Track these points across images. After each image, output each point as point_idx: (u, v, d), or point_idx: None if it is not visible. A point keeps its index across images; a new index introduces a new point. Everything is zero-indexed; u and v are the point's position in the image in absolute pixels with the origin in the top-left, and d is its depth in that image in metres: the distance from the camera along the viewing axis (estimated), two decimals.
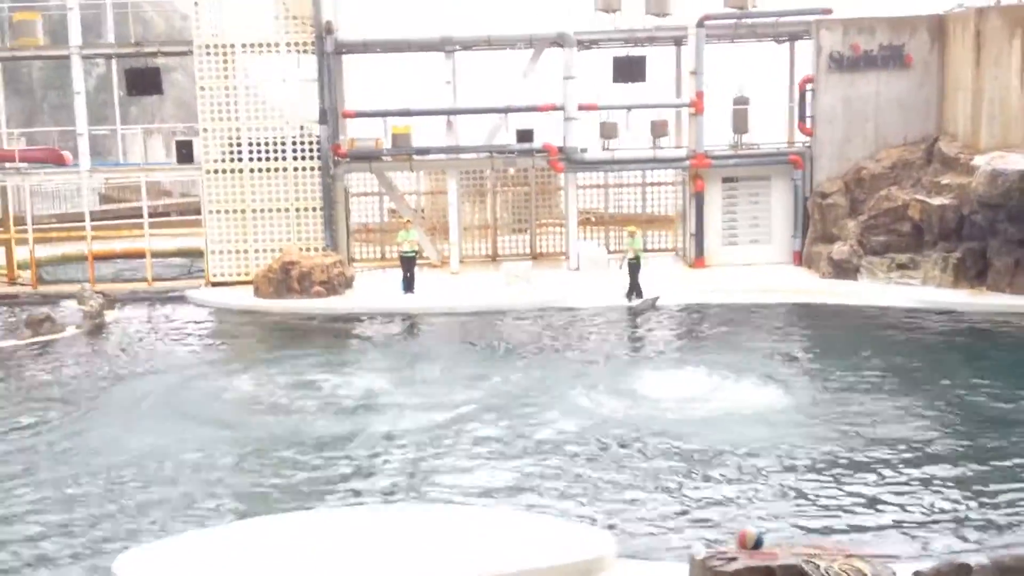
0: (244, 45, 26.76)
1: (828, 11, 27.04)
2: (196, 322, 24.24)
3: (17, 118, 36.21)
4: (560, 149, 27.43)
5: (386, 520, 11.69)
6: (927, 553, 10.79)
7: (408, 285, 25.39)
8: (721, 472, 13.36)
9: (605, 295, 24.35)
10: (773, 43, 29.45)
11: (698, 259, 27.72)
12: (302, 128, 27.24)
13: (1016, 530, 11.42)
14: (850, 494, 12.55)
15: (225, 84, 26.88)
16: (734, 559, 8.91)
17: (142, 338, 22.46)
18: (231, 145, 26.95)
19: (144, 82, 28.27)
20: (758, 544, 9.16)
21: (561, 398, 16.71)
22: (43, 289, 27.28)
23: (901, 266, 24.54)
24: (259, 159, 26.94)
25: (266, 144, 27.00)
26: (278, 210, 27.08)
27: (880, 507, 12.16)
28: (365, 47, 28.05)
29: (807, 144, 27.49)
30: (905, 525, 11.68)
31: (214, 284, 26.97)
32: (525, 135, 28.36)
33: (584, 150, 27.86)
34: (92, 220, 28.07)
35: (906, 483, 12.86)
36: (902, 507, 12.14)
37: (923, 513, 11.98)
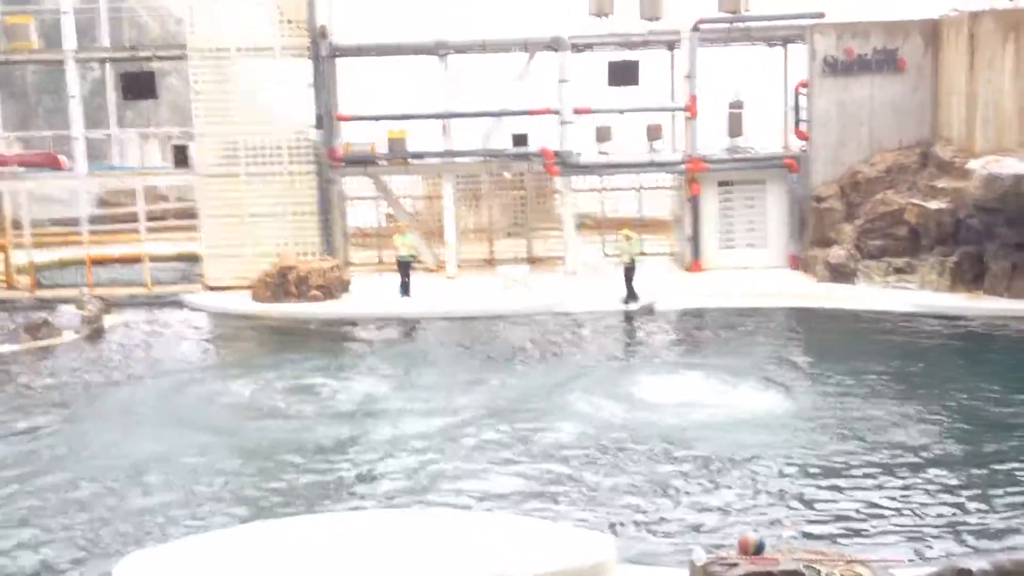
0: (239, 49, 26.76)
1: (822, 15, 27.18)
2: (194, 327, 24.23)
3: (12, 122, 36.14)
4: (555, 153, 27.48)
5: (386, 525, 11.69)
6: (927, 558, 10.84)
7: (405, 289, 25.41)
8: (721, 477, 13.39)
9: (602, 299, 24.39)
10: (767, 47, 29.54)
11: (694, 263, 27.78)
12: (298, 132, 27.26)
13: (1016, 534, 11.46)
14: (850, 499, 12.59)
15: (220, 88, 26.87)
16: (735, 565, 8.95)
17: (140, 343, 22.44)
18: (227, 149, 26.93)
19: (139, 86, 28.28)
20: (759, 550, 9.19)
21: (560, 402, 16.74)
22: (41, 294, 27.24)
23: (898, 270, 24.63)
24: (255, 163, 26.95)
25: (262, 148, 26.99)
26: (275, 214, 27.08)
27: (880, 512, 12.20)
28: (360, 51, 28.08)
29: (802, 148, 27.58)
30: (905, 530, 11.72)
31: (211, 289, 26.96)
32: (520, 139, 28.42)
33: (579, 154, 27.91)
34: (89, 224, 28.03)
35: (906, 488, 12.89)
36: (902, 512, 12.18)
37: (923, 518, 12.02)
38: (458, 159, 28.21)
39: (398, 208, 29.79)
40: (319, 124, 27.07)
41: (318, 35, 26.93)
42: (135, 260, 28.70)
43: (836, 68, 26.71)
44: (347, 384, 18.35)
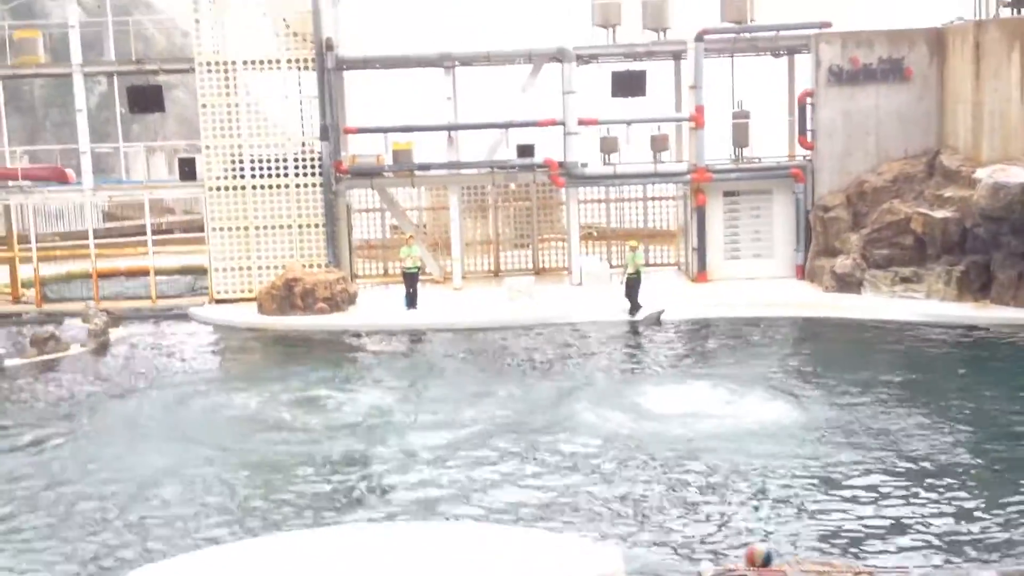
0: (245, 62, 26.86)
1: (827, 25, 27.17)
2: (200, 340, 24.26)
3: (19, 136, 36.29)
4: (561, 164, 27.49)
5: (392, 537, 11.67)
6: (936, 565, 10.77)
7: (411, 301, 25.41)
8: (729, 488, 13.35)
9: (608, 310, 24.36)
10: (772, 57, 29.53)
11: (700, 273, 27.74)
12: (304, 145, 27.32)
13: None
14: (859, 510, 12.53)
15: (227, 101, 26.96)
16: None
17: (146, 356, 22.47)
18: (233, 162, 27.02)
19: (146, 99, 28.36)
20: (767, 561, 9.15)
21: (566, 413, 16.71)
22: (47, 307, 27.28)
23: (905, 279, 24.55)
24: (261, 176, 27.01)
25: (268, 161, 27.06)
26: (281, 227, 27.13)
27: (890, 523, 12.14)
28: (365, 63, 28.15)
29: (808, 158, 27.55)
30: (915, 540, 11.66)
31: (218, 301, 26.99)
32: (526, 150, 28.43)
33: (585, 165, 27.93)
34: (96, 238, 28.12)
35: (916, 497, 12.84)
36: (912, 522, 12.13)
37: (933, 528, 11.96)
38: (464, 171, 28.23)
39: (404, 220, 29.81)
40: (325, 136, 27.12)
41: (324, 47, 27.00)
42: (141, 273, 28.78)
43: (841, 77, 26.70)
44: (354, 396, 18.35)
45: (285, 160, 27.12)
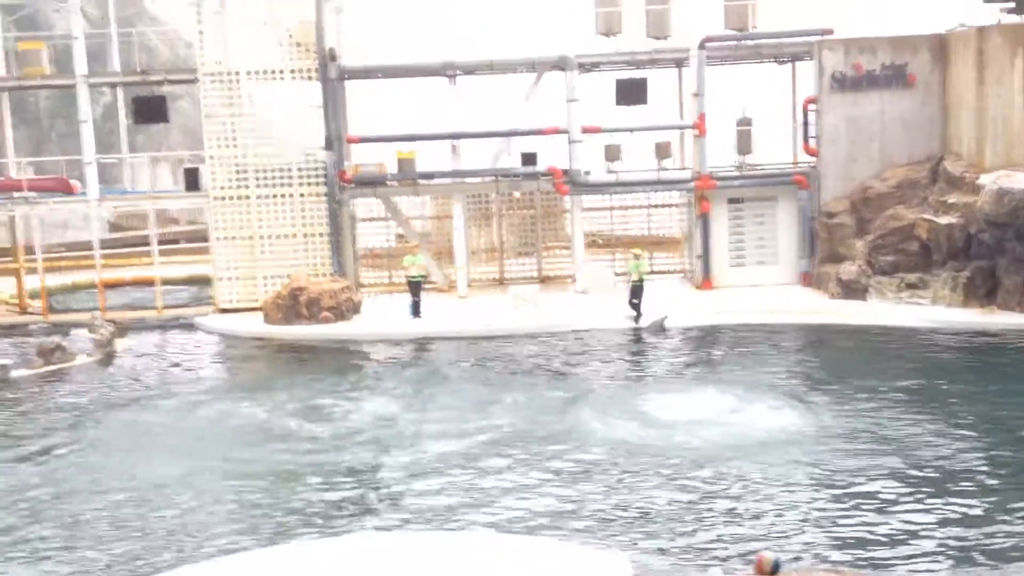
0: (249, 72, 26.93)
1: (829, 31, 27.23)
2: (206, 349, 24.28)
3: (24, 147, 36.37)
4: (565, 172, 27.52)
5: (405, 546, 11.70)
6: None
7: (416, 310, 25.43)
8: (737, 496, 13.33)
9: (613, 318, 24.36)
10: (775, 64, 29.54)
11: (705, 281, 27.75)
12: (308, 154, 27.36)
13: None
14: (868, 517, 12.51)
15: (230, 111, 27.02)
16: None
17: (152, 366, 22.50)
18: (237, 172, 27.07)
19: (150, 110, 28.41)
20: (775, 569, 9.15)
21: (573, 422, 16.69)
22: (54, 318, 27.34)
23: (910, 286, 24.55)
24: (265, 185, 27.06)
25: (272, 171, 27.12)
26: (285, 236, 27.18)
27: (898, 530, 12.12)
28: (368, 73, 28.22)
29: (812, 164, 27.56)
30: (924, 547, 11.64)
31: (223, 311, 27.02)
32: (529, 158, 28.47)
33: (588, 173, 27.95)
34: (101, 248, 28.18)
35: (925, 504, 12.82)
36: (920, 529, 12.10)
37: (942, 535, 11.94)
38: (468, 179, 28.28)
39: (408, 229, 29.85)
40: (329, 146, 27.19)
41: (327, 57, 27.07)
42: (147, 283, 28.83)
43: (845, 84, 26.73)
44: (360, 405, 18.34)
45: (289, 170, 27.18)
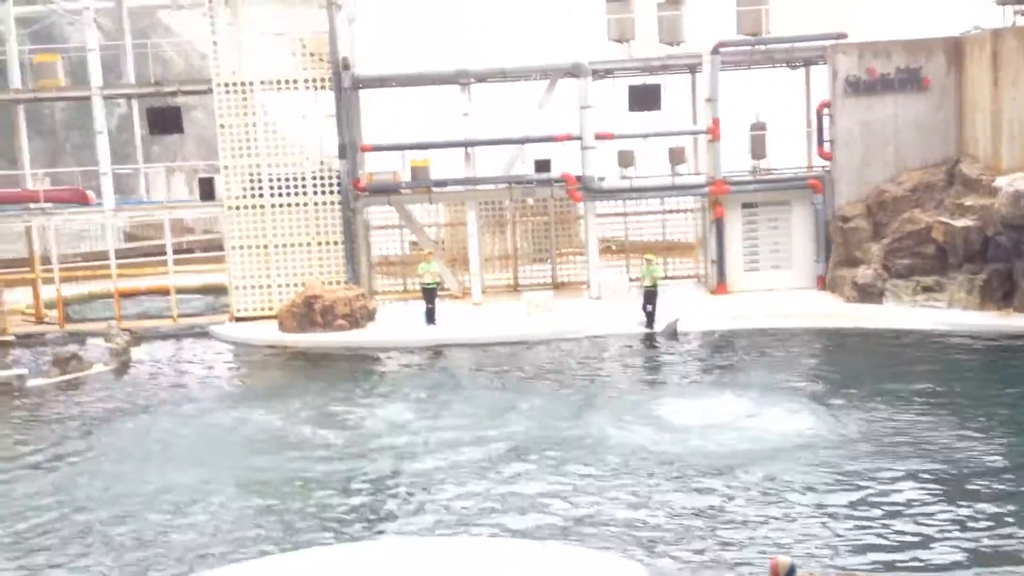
0: (263, 82, 27.04)
1: (843, 35, 27.13)
2: (221, 358, 24.35)
3: (41, 159, 36.61)
4: (578, 178, 27.51)
5: (423, 552, 11.70)
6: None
7: (430, 317, 25.44)
8: (752, 499, 13.26)
9: (627, 323, 24.31)
10: (788, 69, 29.47)
11: (720, 285, 27.67)
12: (322, 163, 27.45)
13: None
14: (888, 521, 12.43)
15: (245, 121, 27.13)
16: None
17: (168, 374, 22.57)
18: (252, 181, 27.17)
19: (165, 121, 28.55)
20: (790, 573, 9.11)
21: (589, 427, 16.65)
22: (70, 328, 27.47)
23: (927, 289, 24.40)
24: (280, 194, 27.15)
25: (286, 179, 27.20)
26: (300, 244, 27.25)
27: (918, 533, 12.04)
28: (381, 82, 28.29)
29: (826, 168, 27.46)
30: (944, 551, 11.56)
31: (238, 319, 27.10)
32: (543, 165, 28.44)
33: (602, 179, 27.93)
34: (117, 258, 28.32)
35: (946, 507, 12.73)
36: (941, 532, 12.01)
37: (962, 538, 11.85)
38: (481, 186, 28.29)
39: (422, 236, 29.89)
40: (342, 154, 27.25)
41: (340, 67, 27.15)
42: (162, 292, 28.94)
43: (859, 88, 26.64)
44: (375, 412, 18.35)
45: (303, 178, 27.26)
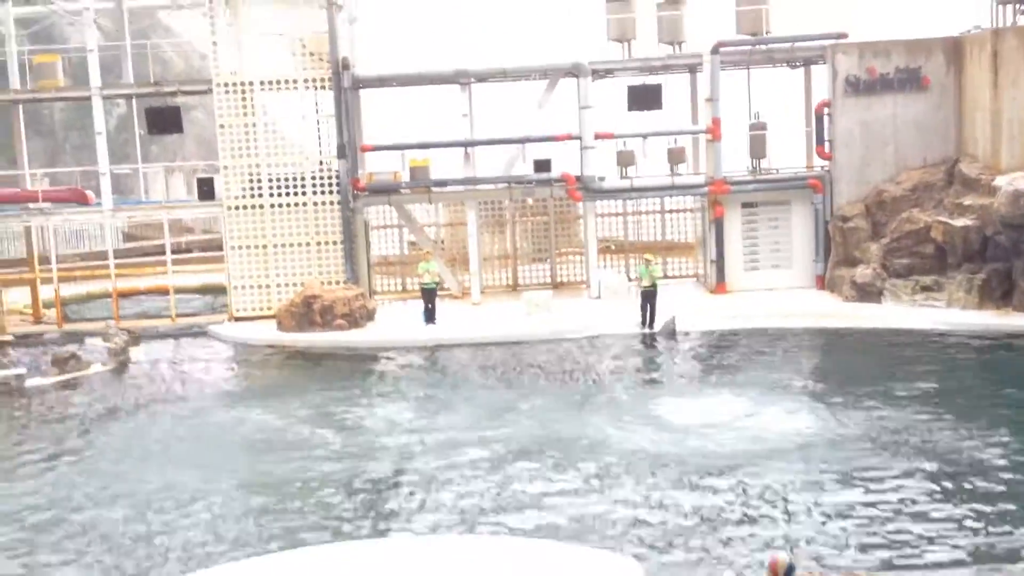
0: (262, 82, 27.03)
1: (843, 35, 27.13)
2: (220, 357, 24.34)
3: (40, 158, 36.63)
4: (578, 178, 27.50)
5: (425, 550, 11.70)
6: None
7: (429, 316, 25.43)
8: (751, 499, 13.25)
9: (626, 323, 24.30)
10: (788, 68, 29.48)
11: (719, 285, 27.65)
12: (321, 163, 27.45)
13: None
14: (888, 520, 12.41)
15: (244, 121, 27.12)
16: None
17: (167, 374, 22.56)
18: (251, 181, 27.16)
19: (164, 121, 28.53)
20: (789, 572, 9.10)
21: (589, 427, 16.63)
22: (68, 327, 27.46)
23: (925, 288, 24.39)
24: (279, 194, 27.14)
25: (286, 179, 27.19)
26: (299, 244, 27.24)
27: (916, 533, 12.02)
28: (381, 82, 28.29)
29: (826, 168, 27.46)
30: (944, 549, 11.54)
31: (237, 319, 27.09)
32: (543, 165, 28.43)
33: (602, 179, 27.92)
34: (115, 258, 28.31)
35: (945, 506, 12.72)
36: (941, 531, 12.00)
37: (962, 536, 11.83)
38: (481, 186, 28.28)
39: (421, 236, 29.88)
40: (342, 154, 27.24)
41: (340, 67, 27.14)
42: (161, 292, 28.93)
43: (858, 87, 26.64)
44: (373, 411, 18.34)
45: (303, 178, 27.25)
